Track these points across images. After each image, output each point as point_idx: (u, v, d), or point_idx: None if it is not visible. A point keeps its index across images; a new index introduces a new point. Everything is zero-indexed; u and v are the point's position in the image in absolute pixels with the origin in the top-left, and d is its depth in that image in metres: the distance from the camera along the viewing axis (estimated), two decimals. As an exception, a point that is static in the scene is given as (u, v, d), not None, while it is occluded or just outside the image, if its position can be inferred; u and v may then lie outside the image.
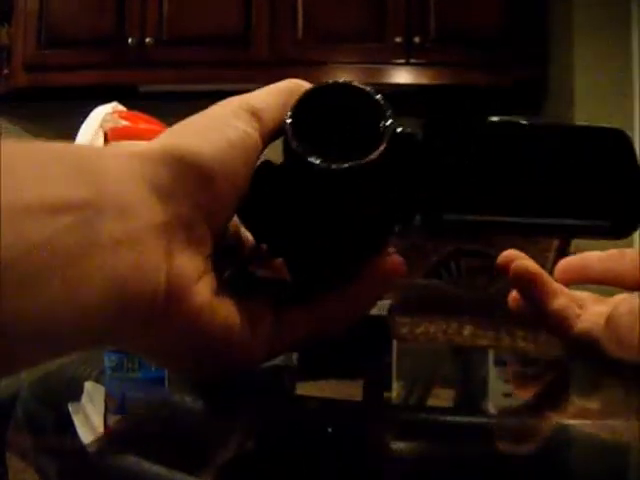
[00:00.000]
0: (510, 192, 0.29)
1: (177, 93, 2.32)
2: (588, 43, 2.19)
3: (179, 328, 0.26)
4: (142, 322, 0.24)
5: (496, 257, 0.42)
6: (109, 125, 0.86)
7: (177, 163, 0.25)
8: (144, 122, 0.89)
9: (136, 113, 0.90)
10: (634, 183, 0.29)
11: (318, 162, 0.27)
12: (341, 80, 0.29)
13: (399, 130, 0.29)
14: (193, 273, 0.26)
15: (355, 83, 0.29)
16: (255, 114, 0.29)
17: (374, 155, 0.27)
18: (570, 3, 2.22)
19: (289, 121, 0.28)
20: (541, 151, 0.30)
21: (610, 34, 2.18)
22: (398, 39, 2.35)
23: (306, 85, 0.31)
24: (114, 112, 0.90)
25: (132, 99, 1.10)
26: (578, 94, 2.19)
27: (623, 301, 0.40)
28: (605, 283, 0.44)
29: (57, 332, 0.22)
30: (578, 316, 0.42)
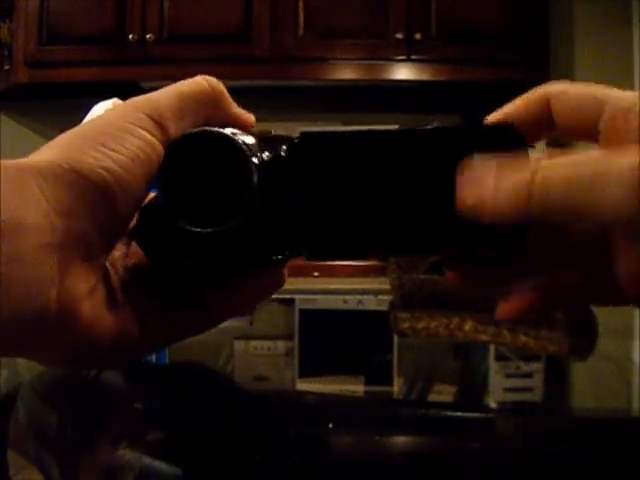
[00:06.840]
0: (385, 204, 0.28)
1: (178, 89, 2.31)
2: (589, 42, 2.19)
3: (72, 339, 0.27)
4: (34, 334, 0.25)
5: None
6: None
7: (77, 181, 0.26)
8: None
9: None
10: None
11: (186, 225, 0.28)
12: (209, 128, 0.29)
13: (267, 157, 0.29)
14: (85, 288, 0.26)
15: (219, 130, 0.29)
16: (159, 122, 0.29)
17: (237, 219, 0.28)
18: (572, 1, 2.21)
19: (159, 178, 0.28)
20: (416, 158, 0.28)
21: (611, 33, 2.18)
22: (399, 35, 2.35)
23: (214, 84, 0.31)
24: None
25: (133, 95, 1.10)
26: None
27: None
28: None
29: None
30: None
